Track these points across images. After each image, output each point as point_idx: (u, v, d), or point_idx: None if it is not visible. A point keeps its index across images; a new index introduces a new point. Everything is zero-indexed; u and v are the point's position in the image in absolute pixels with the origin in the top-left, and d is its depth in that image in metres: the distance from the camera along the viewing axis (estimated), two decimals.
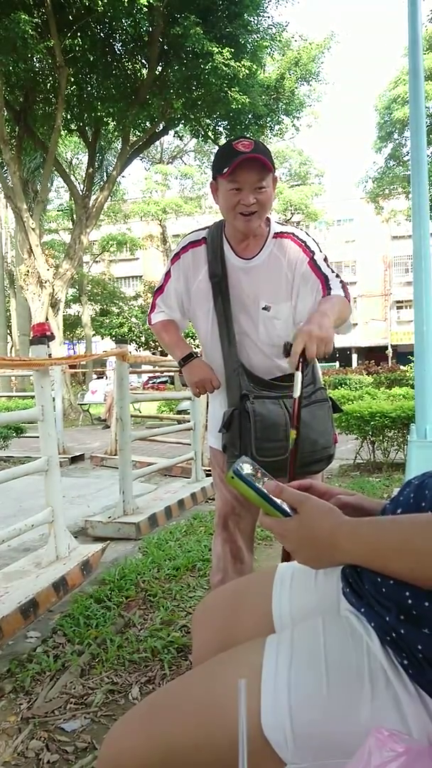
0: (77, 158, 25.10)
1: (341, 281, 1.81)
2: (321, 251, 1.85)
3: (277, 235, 1.85)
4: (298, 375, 1.49)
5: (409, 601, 0.75)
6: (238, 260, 1.84)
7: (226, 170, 1.65)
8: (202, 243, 1.89)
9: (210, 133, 15.20)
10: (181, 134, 16.63)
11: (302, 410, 1.74)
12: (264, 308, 1.82)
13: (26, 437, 8.00)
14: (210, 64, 11.37)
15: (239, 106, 12.40)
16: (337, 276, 1.81)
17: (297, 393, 1.50)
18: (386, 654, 0.77)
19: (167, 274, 1.95)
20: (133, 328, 30.66)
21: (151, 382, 23.47)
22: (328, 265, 1.82)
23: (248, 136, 1.77)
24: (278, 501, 0.85)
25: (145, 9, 10.46)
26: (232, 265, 1.84)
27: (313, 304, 1.77)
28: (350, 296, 1.81)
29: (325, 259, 1.83)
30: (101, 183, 16.47)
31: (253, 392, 1.79)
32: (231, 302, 1.83)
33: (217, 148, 18.01)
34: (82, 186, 15.83)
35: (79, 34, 11.95)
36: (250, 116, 14.14)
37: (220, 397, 1.93)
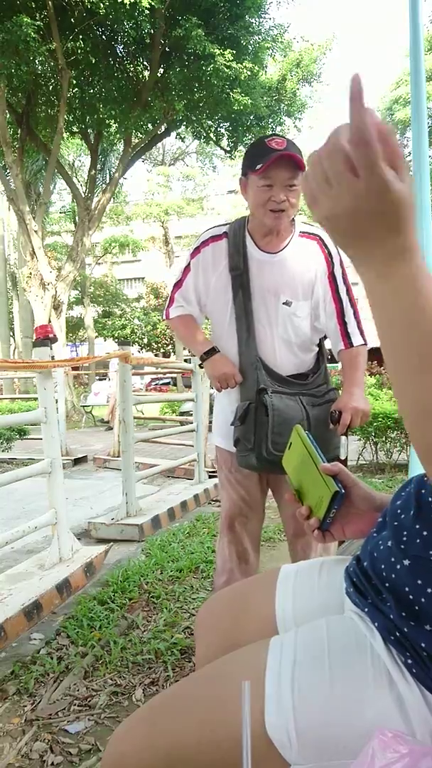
0: (79, 160, 25.14)
1: (355, 313, 1.88)
2: (341, 263, 1.88)
3: (303, 234, 1.88)
4: (344, 439, 1.83)
5: (410, 597, 0.75)
6: (261, 254, 1.84)
7: (259, 167, 1.67)
8: (222, 237, 1.89)
9: (212, 135, 15.21)
10: (182, 136, 16.65)
11: (316, 408, 1.80)
12: (285, 303, 1.83)
13: (29, 439, 8.02)
14: (212, 65, 11.38)
15: (241, 107, 12.41)
16: (352, 305, 1.88)
17: (343, 455, 1.83)
18: (390, 654, 0.77)
19: (186, 268, 1.95)
20: (135, 330, 30.67)
21: (153, 383, 23.47)
22: (345, 282, 1.88)
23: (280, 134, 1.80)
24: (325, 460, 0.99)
25: (147, 11, 10.48)
26: (254, 258, 1.84)
27: (325, 320, 1.89)
28: (365, 335, 1.90)
29: (343, 274, 1.88)
30: (103, 185, 16.51)
31: (271, 387, 1.80)
32: (251, 296, 1.84)
33: (218, 149, 17.97)
34: (84, 188, 15.88)
35: (81, 36, 11.98)
36: (251, 117, 14.15)
37: (230, 394, 1.92)
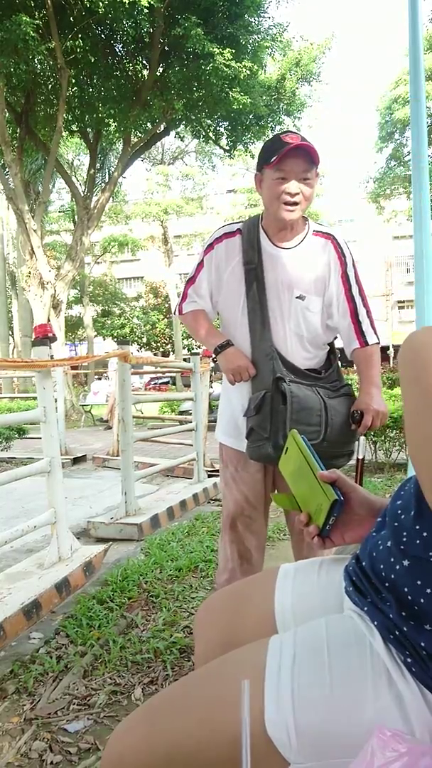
0: (78, 159, 25.11)
1: (368, 312, 1.90)
2: (353, 263, 1.91)
3: (317, 233, 1.90)
4: (362, 439, 1.85)
5: (409, 597, 0.75)
6: (274, 249, 1.87)
7: (274, 159, 1.69)
8: (236, 234, 1.92)
9: (211, 134, 15.20)
10: (182, 135, 16.63)
11: (333, 400, 1.82)
12: (298, 297, 1.84)
13: (28, 438, 8.01)
14: (211, 64, 11.37)
15: (240, 106, 12.40)
16: (364, 304, 1.90)
17: (361, 455, 1.85)
18: (389, 653, 0.78)
19: (200, 264, 1.97)
20: (134, 329, 30.70)
21: (152, 383, 23.47)
22: (357, 282, 1.90)
23: (294, 131, 1.82)
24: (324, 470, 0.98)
25: (146, 10, 10.47)
26: (268, 253, 1.87)
27: (339, 319, 1.90)
28: (377, 331, 1.92)
29: (356, 274, 1.90)
30: (102, 184, 16.49)
31: (287, 376, 1.81)
32: (265, 289, 1.85)
33: (217, 148, 17.93)
34: (83, 187, 15.86)
35: (80, 35, 11.96)
36: (251, 117, 14.13)
37: (241, 388, 1.92)
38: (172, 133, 16.13)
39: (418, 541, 0.76)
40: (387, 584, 0.79)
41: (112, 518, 3.87)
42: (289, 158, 1.69)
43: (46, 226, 23.11)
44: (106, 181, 16.59)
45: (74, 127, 15.34)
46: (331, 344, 2.00)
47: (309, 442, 1.05)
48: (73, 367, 18.85)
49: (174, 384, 20.97)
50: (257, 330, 1.85)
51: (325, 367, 1.95)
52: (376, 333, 1.91)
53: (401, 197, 24.92)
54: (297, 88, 16.04)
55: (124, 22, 11.14)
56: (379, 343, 1.93)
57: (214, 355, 1.96)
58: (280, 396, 1.76)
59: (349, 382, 1.98)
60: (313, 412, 1.77)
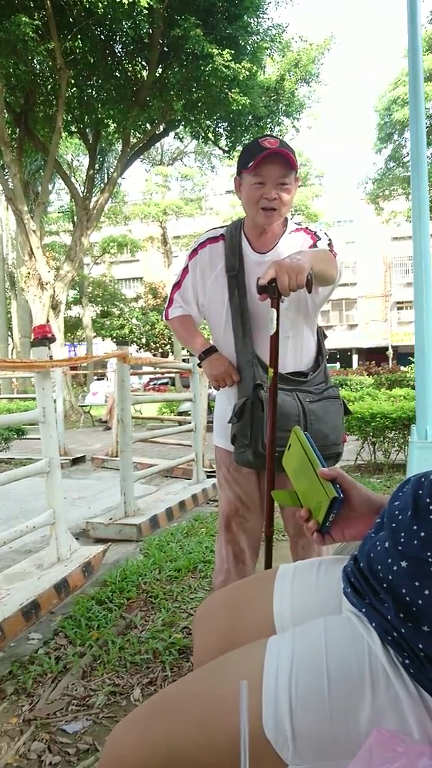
0: (78, 160, 25.12)
1: (330, 241, 1.81)
2: (329, 239, 1.84)
3: (294, 231, 1.89)
4: (273, 312, 1.62)
5: (407, 598, 0.75)
6: (254, 255, 1.86)
7: (251, 164, 1.69)
8: (220, 239, 1.91)
9: (210, 135, 15.21)
10: (181, 136, 16.66)
11: (315, 404, 1.80)
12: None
13: (27, 439, 8.02)
14: (210, 65, 11.39)
15: (239, 107, 12.43)
16: (330, 243, 1.81)
17: (273, 330, 1.65)
18: (387, 654, 0.78)
19: (185, 270, 1.97)
20: (133, 330, 30.67)
21: (152, 383, 23.45)
22: (329, 244, 1.81)
23: (274, 135, 1.79)
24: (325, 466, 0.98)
25: (146, 11, 10.49)
26: (249, 259, 1.86)
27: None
28: (336, 255, 1.79)
29: (330, 244, 1.82)
30: (102, 185, 16.50)
31: (267, 383, 1.80)
32: (247, 294, 1.85)
33: (216, 149, 17.92)
34: (82, 188, 15.86)
35: (79, 36, 11.97)
36: (250, 117, 14.17)
37: (229, 393, 1.93)
38: (172, 133, 16.16)
39: (416, 542, 0.76)
40: (385, 585, 0.79)
41: (111, 519, 3.87)
42: (266, 163, 1.68)
43: (45, 226, 23.09)
44: (105, 181, 16.61)
45: (73, 128, 15.36)
46: (319, 345, 1.99)
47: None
48: (72, 368, 18.86)
49: (173, 385, 20.95)
50: (239, 336, 1.86)
51: (313, 369, 1.94)
52: (332, 250, 1.77)
53: (400, 198, 24.92)
54: (296, 89, 16.07)
55: (124, 23, 11.15)
56: (331, 247, 1.78)
57: (199, 362, 1.96)
58: (260, 403, 1.76)
59: (335, 385, 1.96)
60: (290, 418, 1.76)
